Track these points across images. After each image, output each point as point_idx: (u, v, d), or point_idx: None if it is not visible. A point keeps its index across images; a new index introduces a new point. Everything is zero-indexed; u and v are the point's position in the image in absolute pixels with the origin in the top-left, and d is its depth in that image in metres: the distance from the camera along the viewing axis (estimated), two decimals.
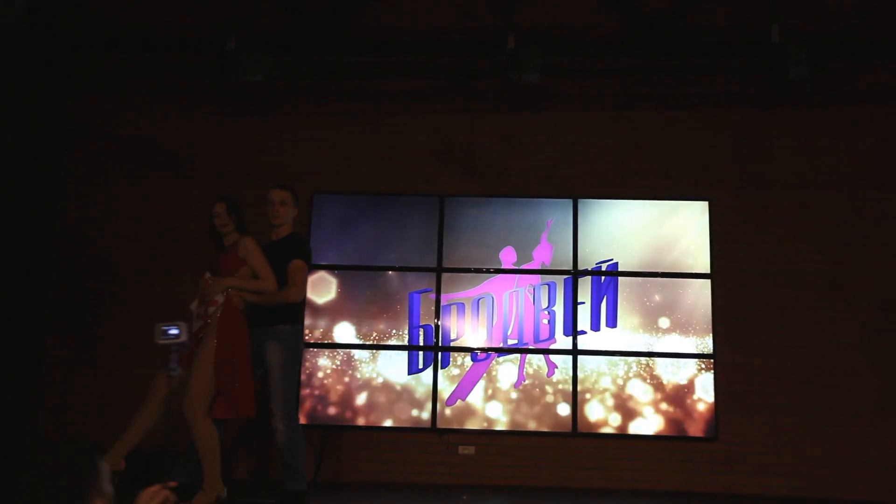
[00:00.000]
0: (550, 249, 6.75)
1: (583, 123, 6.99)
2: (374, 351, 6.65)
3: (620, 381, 6.55)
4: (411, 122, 7.04)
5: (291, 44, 6.51)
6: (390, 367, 6.64)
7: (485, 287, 6.74)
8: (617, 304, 6.63)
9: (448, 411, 6.55)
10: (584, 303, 6.64)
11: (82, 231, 6.87)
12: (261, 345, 4.72)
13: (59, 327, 6.73)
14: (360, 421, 6.58)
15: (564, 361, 6.58)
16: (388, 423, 6.56)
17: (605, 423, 6.51)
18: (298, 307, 4.89)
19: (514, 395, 6.57)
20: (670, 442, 6.46)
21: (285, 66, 6.74)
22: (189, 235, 6.77)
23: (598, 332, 6.59)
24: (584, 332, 6.60)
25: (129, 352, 6.65)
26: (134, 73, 7.09)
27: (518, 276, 6.72)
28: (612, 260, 6.67)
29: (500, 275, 6.73)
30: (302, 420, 6.49)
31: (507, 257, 6.77)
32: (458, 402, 6.56)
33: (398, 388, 6.61)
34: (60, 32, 6.76)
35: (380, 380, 6.63)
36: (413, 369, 6.62)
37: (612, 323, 6.60)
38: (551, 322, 6.62)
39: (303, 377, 6.54)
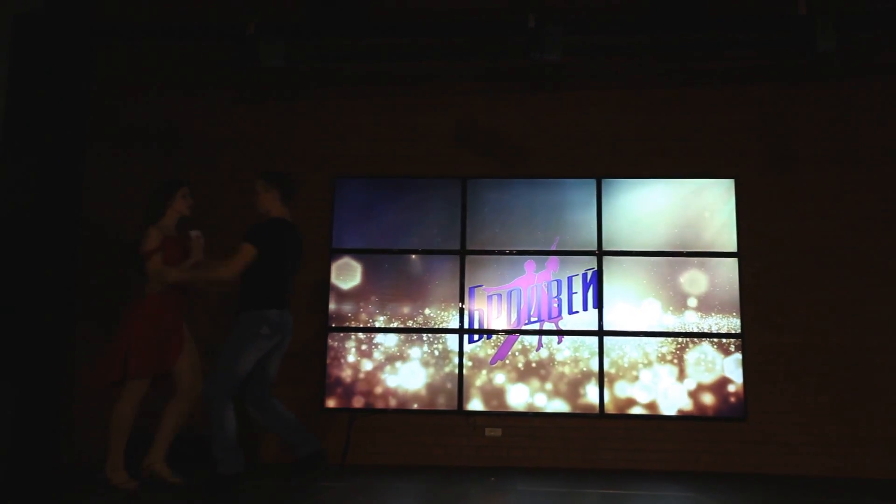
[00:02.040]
0: (557, 260, 6.75)
1: (605, 102, 6.92)
2: (404, 335, 6.67)
3: (647, 361, 6.52)
4: (432, 103, 7.00)
5: (311, 27, 6.46)
6: (420, 352, 6.66)
7: (514, 283, 6.77)
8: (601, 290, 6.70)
9: (477, 389, 6.56)
10: (576, 293, 6.69)
11: (107, 221, 6.89)
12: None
13: (88, 318, 6.77)
14: (389, 403, 6.60)
15: (572, 340, 6.57)
16: (415, 405, 6.58)
17: (633, 404, 6.48)
18: (262, 294, 4.57)
19: (534, 364, 6.57)
20: (698, 422, 6.42)
21: (305, 50, 6.72)
22: (210, 221, 6.78)
23: (587, 312, 6.67)
24: (576, 312, 6.69)
25: None
26: (155, 60, 7.09)
27: (537, 274, 6.74)
28: (592, 268, 6.71)
29: (525, 273, 6.75)
30: (331, 403, 6.54)
31: (529, 266, 6.78)
32: (498, 363, 6.64)
33: (429, 371, 6.62)
34: (81, 20, 6.76)
35: (408, 363, 6.64)
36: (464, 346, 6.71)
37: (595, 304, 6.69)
38: (559, 305, 6.69)
39: (330, 361, 6.59)
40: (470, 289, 6.74)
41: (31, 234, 6.23)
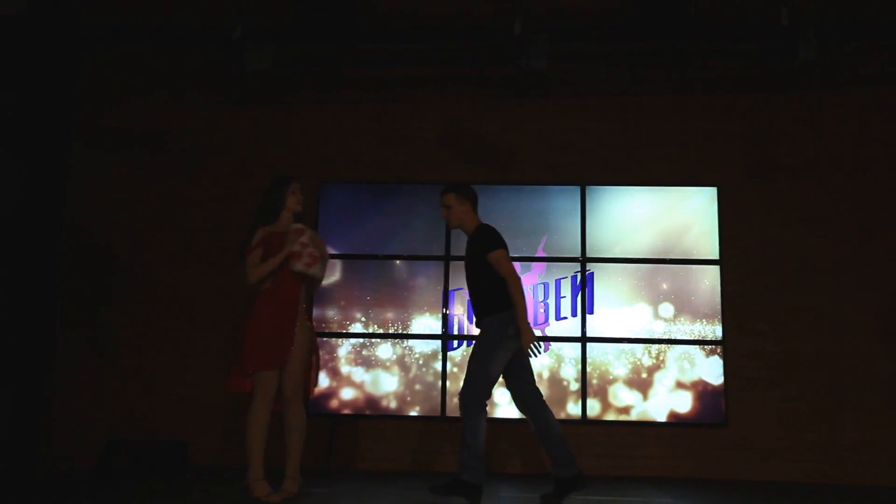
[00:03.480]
0: (544, 265, 6.77)
1: (590, 109, 6.96)
2: (388, 339, 6.66)
3: (630, 367, 6.55)
4: (418, 109, 7.01)
5: (299, 31, 6.46)
6: (402, 358, 6.66)
7: None
8: (594, 296, 6.69)
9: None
10: (565, 297, 6.70)
11: (90, 223, 6.86)
12: None
13: (71, 320, 6.73)
14: (372, 409, 6.59)
15: (559, 347, 6.58)
16: (399, 411, 6.58)
17: (615, 410, 6.51)
18: (503, 297, 4.42)
19: None
20: (681, 429, 6.46)
21: (292, 55, 6.71)
22: (194, 225, 6.76)
23: (575, 318, 6.68)
24: (564, 318, 6.70)
25: (140, 341, 6.69)
26: (139, 63, 7.06)
27: (522, 277, 6.73)
28: (589, 270, 6.70)
29: (530, 270, 6.76)
30: (311, 409, 6.51)
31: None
32: None
33: (410, 375, 6.62)
34: (65, 22, 6.72)
35: (391, 369, 6.64)
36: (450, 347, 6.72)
37: (591, 310, 6.67)
38: (546, 311, 6.69)
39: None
40: (450, 292, 6.73)
41: (15, 237, 6.17)
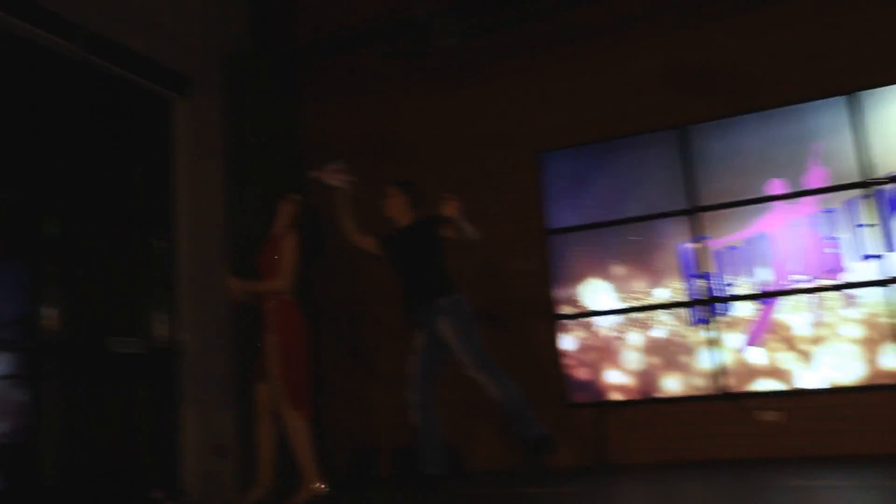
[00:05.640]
0: (823, 174, 5.49)
1: (847, 3, 5.62)
2: (642, 313, 5.85)
3: None
4: (632, 50, 6.17)
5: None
6: (659, 329, 5.79)
7: (756, 226, 5.65)
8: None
9: (740, 366, 5.53)
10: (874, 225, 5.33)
11: (330, 235, 6.86)
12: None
13: (327, 328, 6.73)
14: (638, 394, 5.79)
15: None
16: (669, 392, 5.70)
17: None
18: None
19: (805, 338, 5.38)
20: None
21: (479, 25, 6.27)
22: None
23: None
24: (877, 257, 5.29)
25: (397, 344, 6.46)
26: (345, 72, 7.03)
27: (791, 207, 5.55)
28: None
29: (771, 211, 5.61)
30: (574, 399, 5.91)
31: (775, 190, 5.63)
32: (750, 350, 5.54)
33: (672, 350, 5.73)
34: (281, 51, 6.94)
35: (649, 344, 5.80)
36: (696, 322, 5.72)
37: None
38: (838, 248, 5.40)
39: (565, 351, 5.96)
40: (681, 245, 5.77)
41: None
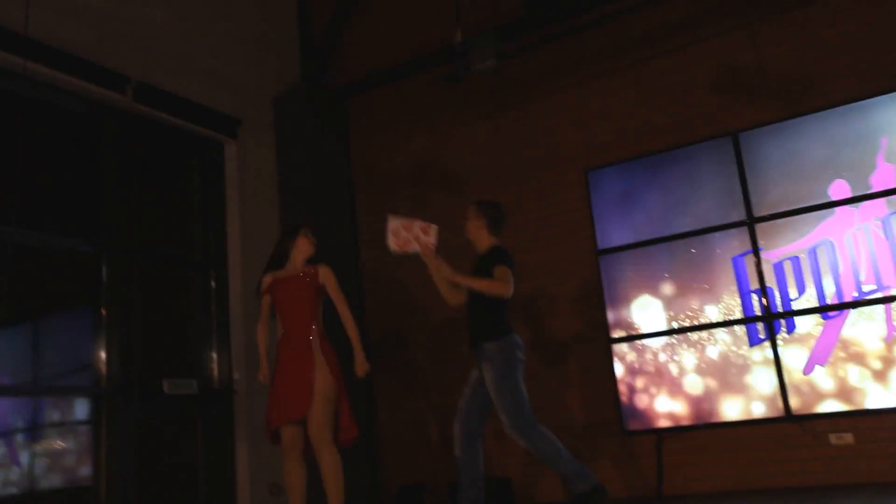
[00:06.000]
0: (893, 170, 5.09)
1: None
2: (699, 333, 5.59)
3: None
4: (678, 58, 5.92)
5: (519, 18, 5.92)
6: (717, 349, 5.52)
7: (819, 232, 5.30)
8: None
9: (805, 387, 5.20)
10: None
11: (382, 268, 6.94)
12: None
13: (380, 363, 6.82)
14: (696, 419, 5.53)
15: None
16: (730, 416, 5.42)
17: None
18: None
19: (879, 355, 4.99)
20: None
21: (519, 45, 6.17)
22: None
23: None
24: None
25: (446, 376, 6.49)
26: (392, 103, 7.09)
27: (858, 210, 5.17)
28: None
29: (834, 214, 5.25)
30: (631, 425, 5.68)
31: (839, 192, 5.26)
32: (817, 368, 5.17)
33: (733, 371, 5.45)
34: (329, 87, 7.06)
35: (706, 366, 5.53)
36: (754, 341, 5.40)
37: None
38: None
39: (618, 376, 5.77)
40: (735, 259, 5.46)
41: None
